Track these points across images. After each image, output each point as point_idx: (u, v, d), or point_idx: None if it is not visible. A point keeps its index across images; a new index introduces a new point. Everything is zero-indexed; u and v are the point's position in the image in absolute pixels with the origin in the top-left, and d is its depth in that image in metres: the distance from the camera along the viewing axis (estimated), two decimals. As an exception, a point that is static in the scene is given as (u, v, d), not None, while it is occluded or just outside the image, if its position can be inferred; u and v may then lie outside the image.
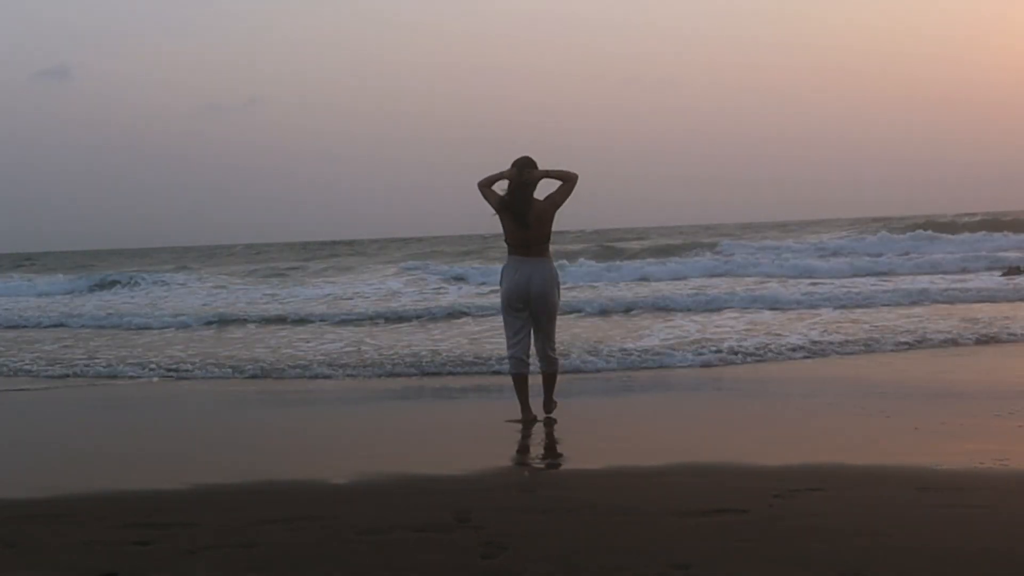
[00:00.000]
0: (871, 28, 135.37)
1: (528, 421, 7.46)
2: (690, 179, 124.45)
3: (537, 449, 7.06)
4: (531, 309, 7.35)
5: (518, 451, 6.96)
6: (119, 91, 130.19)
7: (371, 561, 4.12)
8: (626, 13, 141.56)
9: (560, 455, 6.92)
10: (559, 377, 7.82)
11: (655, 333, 13.31)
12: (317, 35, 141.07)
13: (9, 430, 8.78)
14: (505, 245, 7.55)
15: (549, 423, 7.54)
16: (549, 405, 7.64)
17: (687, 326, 14.03)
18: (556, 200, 7.28)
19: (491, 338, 12.91)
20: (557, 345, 7.70)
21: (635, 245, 37.63)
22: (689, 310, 16.33)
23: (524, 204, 7.21)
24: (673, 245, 35.30)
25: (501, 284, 7.48)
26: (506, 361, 7.77)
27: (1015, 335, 12.12)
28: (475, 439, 7.41)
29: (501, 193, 7.31)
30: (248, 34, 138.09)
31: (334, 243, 68.46)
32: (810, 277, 22.44)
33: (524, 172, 7.21)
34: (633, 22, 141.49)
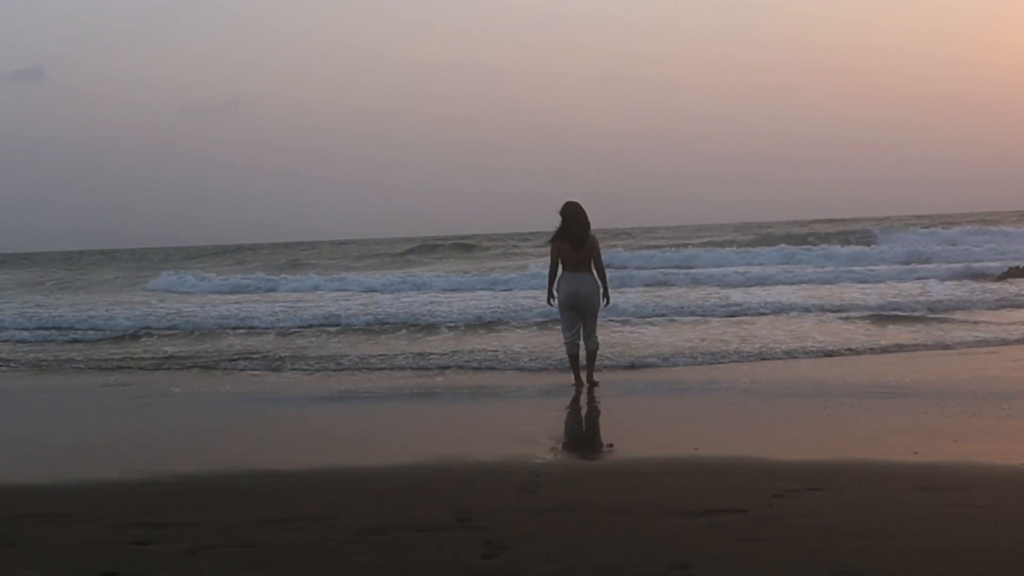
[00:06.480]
0: (871, 25, 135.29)
1: (578, 385, 9.86)
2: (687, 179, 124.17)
3: (541, 446, 7.06)
4: (579, 309, 9.92)
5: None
6: (94, 92, 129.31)
7: (371, 561, 4.12)
8: (616, 9, 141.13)
9: (562, 454, 6.93)
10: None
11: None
12: (295, 36, 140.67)
13: (9, 428, 8.78)
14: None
15: (592, 387, 9.78)
16: (591, 375, 9.99)
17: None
18: (597, 250, 9.96)
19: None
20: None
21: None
22: None
23: (581, 230, 9.80)
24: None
25: (558, 291, 9.97)
26: (563, 346, 10.33)
27: None
28: (475, 439, 7.42)
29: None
30: (226, 35, 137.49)
31: (328, 243, 68.41)
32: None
33: (577, 217, 9.80)
34: (623, 18, 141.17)
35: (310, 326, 16.93)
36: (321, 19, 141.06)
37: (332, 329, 16.42)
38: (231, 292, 28.01)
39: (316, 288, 27.17)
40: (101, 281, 37.77)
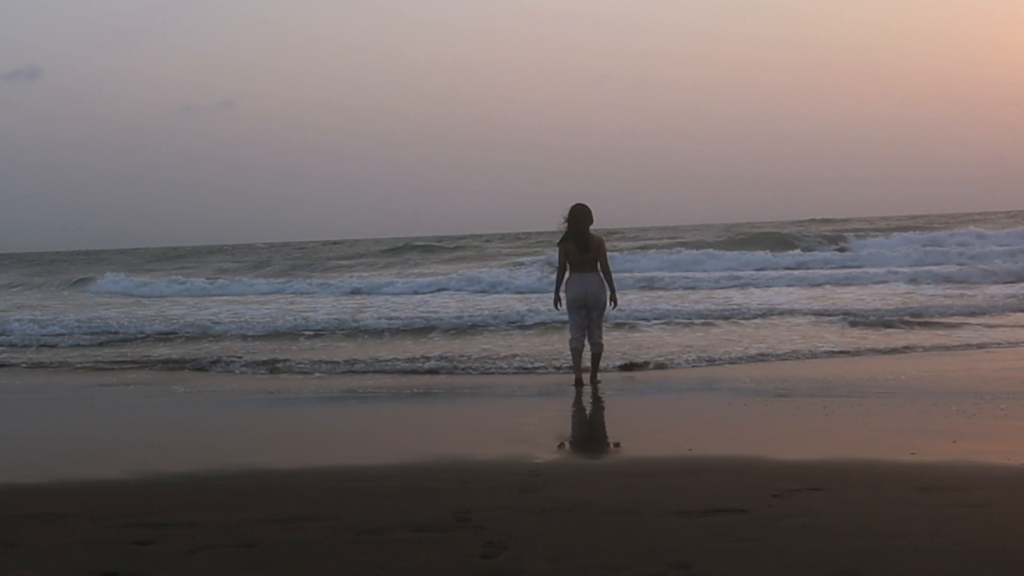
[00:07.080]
0: (871, 24, 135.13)
1: (579, 385, 9.98)
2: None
3: (541, 446, 7.07)
4: (587, 308, 10.19)
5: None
6: (90, 92, 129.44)
7: (371, 561, 4.12)
8: (616, 9, 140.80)
9: (562, 454, 6.93)
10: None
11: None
12: (291, 35, 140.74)
13: (10, 427, 8.78)
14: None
15: (595, 387, 9.92)
16: (594, 377, 10.21)
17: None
18: (603, 251, 10.28)
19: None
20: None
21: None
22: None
23: (584, 231, 10.13)
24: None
25: (566, 292, 10.26)
26: (567, 343, 10.54)
27: None
28: (475, 439, 7.42)
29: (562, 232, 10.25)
30: (221, 35, 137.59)
31: (323, 244, 68.31)
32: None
33: (581, 218, 10.10)
34: (623, 18, 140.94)
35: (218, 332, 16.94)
36: (318, 19, 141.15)
37: (326, 329, 16.43)
38: (160, 297, 28.09)
39: (262, 293, 27.19)
40: (49, 284, 37.50)
